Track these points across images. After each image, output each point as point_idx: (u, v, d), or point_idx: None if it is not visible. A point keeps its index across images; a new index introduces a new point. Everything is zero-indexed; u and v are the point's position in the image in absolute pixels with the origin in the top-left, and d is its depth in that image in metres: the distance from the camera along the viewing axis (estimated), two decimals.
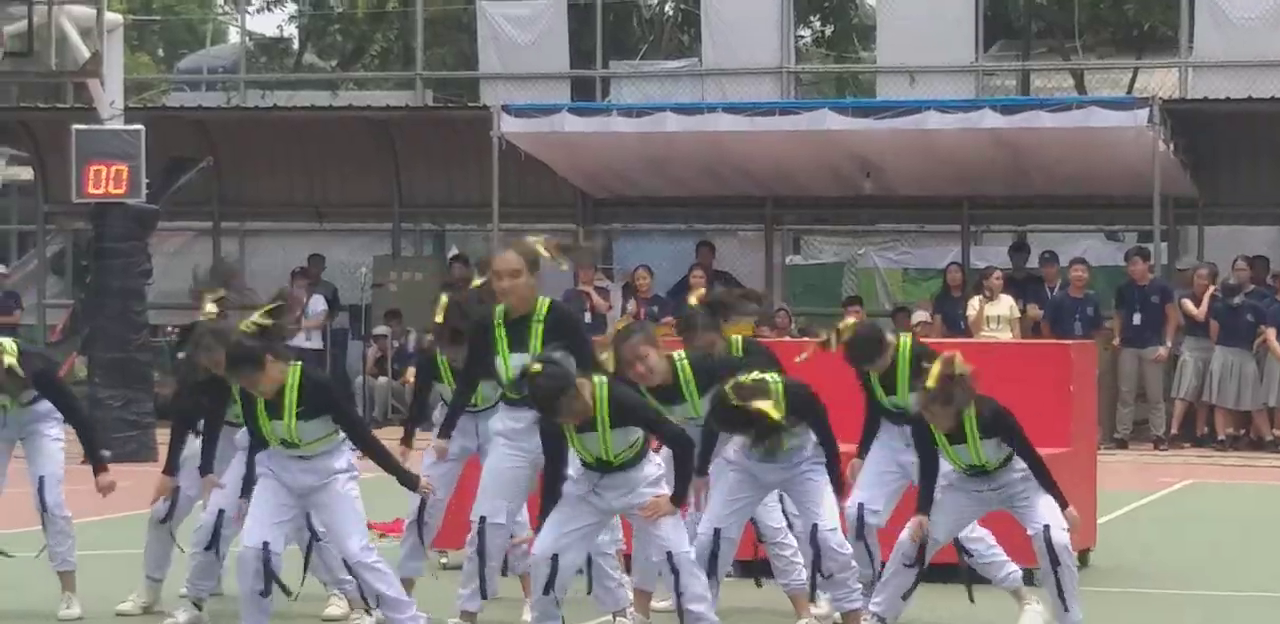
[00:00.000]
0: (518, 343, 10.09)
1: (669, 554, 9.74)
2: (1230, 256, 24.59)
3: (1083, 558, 13.28)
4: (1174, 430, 23.47)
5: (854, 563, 10.31)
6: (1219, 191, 25.68)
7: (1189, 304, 23.44)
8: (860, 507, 11.08)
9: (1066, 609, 10.27)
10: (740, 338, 10.85)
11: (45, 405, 11.66)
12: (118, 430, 21.21)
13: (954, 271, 24.84)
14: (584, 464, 9.74)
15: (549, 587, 9.67)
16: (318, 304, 25.83)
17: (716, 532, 10.38)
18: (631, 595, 10.59)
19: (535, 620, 9.86)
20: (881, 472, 11.11)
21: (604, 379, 9.59)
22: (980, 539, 11.08)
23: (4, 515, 13.34)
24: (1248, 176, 25.75)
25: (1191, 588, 12.83)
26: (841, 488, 10.37)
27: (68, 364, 26.94)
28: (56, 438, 11.69)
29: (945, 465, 10.45)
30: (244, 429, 10.40)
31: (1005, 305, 23.13)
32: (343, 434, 10.04)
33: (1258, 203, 26.02)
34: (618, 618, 10.44)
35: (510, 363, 10.02)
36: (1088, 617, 11.47)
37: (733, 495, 10.43)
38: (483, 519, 10.43)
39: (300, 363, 9.95)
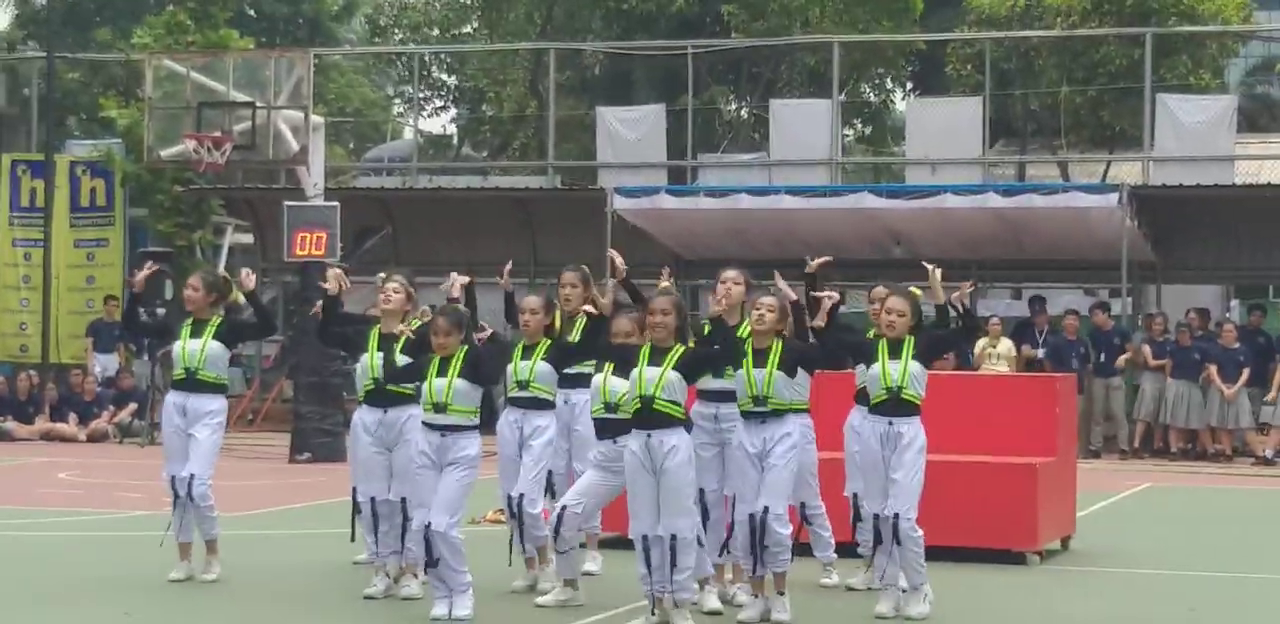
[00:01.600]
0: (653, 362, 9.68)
1: (673, 536, 9.42)
2: (1182, 309, 24.45)
3: (1064, 543, 13.22)
4: (1136, 444, 23.28)
5: (787, 541, 9.74)
6: (1173, 258, 25.49)
7: (1147, 350, 23.30)
8: (855, 496, 10.88)
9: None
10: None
11: (215, 401, 11.08)
12: (315, 437, 21.22)
13: None
14: (634, 416, 9.46)
15: (675, 558, 9.40)
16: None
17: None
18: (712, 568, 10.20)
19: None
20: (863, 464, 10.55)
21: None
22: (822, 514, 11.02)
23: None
24: (1197, 246, 25.55)
25: (1152, 567, 12.70)
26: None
27: (278, 386, 27.14)
28: (212, 440, 11.00)
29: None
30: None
31: (1005, 346, 22.99)
32: (476, 421, 9.79)
33: (1204, 267, 25.89)
34: (703, 587, 10.02)
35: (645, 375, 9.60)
36: (1071, 592, 11.38)
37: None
38: (564, 507, 10.05)
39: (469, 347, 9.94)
